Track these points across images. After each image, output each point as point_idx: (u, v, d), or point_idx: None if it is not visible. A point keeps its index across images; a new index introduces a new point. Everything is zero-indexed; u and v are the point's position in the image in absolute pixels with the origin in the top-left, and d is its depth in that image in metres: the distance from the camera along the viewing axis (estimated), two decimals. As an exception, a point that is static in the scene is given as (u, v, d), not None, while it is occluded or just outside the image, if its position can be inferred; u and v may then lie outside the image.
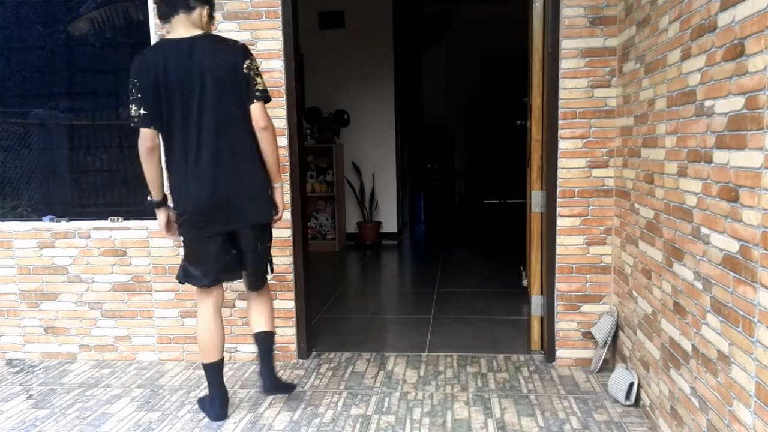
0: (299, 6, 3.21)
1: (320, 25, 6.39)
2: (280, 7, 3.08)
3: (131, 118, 2.38)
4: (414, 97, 8.17)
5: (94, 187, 3.54)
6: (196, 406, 2.76)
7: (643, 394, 2.57)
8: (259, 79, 2.43)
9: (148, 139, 2.38)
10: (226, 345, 3.30)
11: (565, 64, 2.95)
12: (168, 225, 2.54)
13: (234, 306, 3.28)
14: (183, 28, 2.40)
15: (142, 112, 2.34)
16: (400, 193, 6.99)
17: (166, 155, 2.45)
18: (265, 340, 2.64)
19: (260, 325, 2.65)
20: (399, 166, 6.85)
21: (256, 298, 2.65)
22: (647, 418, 2.52)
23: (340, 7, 6.39)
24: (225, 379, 3.03)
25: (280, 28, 3.09)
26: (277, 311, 3.26)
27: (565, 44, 2.94)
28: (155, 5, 2.48)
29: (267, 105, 2.47)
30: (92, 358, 3.42)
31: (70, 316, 3.40)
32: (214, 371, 2.59)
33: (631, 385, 2.61)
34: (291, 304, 3.25)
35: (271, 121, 2.47)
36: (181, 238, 2.54)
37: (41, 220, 3.40)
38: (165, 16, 2.41)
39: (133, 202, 3.48)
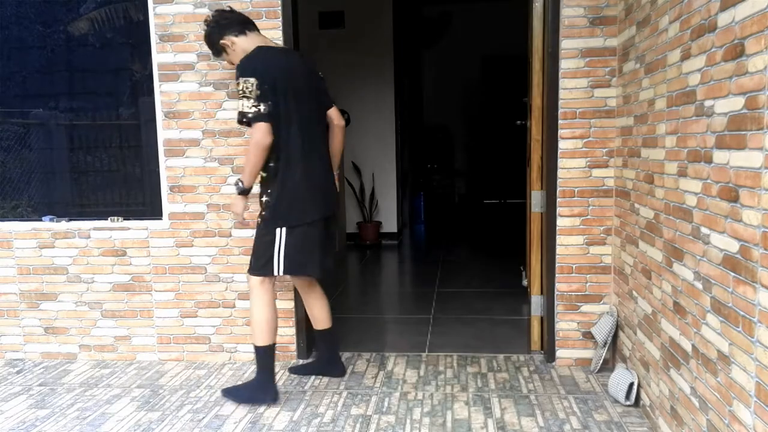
0: (299, 6, 3.21)
1: (320, 25, 6.39)
2: (280, 7, 3.08)
3: (246, 114, 2.51)
4: (414, 97, 8.17)
5: (94, 187, 3.53)
6: (197, 405, 2.76)
7: (643, 394, 2.57)
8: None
9: (268, 133, 2.54)
10: (225, 345, 3.32)
11: (565, 64, 2.95)
12: (243, 211, 2.74)
13: (234, 306, 3.28)
14: (268, 40, 2.77)
15: (263, 108, 2.50)
16: (400, 193, 6.99)
17: (285, 148, 2.62)
18: (332, 334, 3.02)
19: (326, 321, 2.98)
20: (399, 166, 6.85)
21: (313, 294, 2.95)
22: (647, 418, 2.52)
23: (340, 7, 6.39)
24: (225, 380, 3.06)
25: (280, 28, 3.09)
26: (278, 311, 3.26)
27: (565, 44, 2.94)
28: (225, 23, 2.71)
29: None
30: (92, 358, 3.42)
31: (70, 316, 3.40)
32: (274, 352, 2.74)
33: (631, 385, 2.61)
34: (291, 304, 3.25)
35: None
36: (282, 232, 2.65)
37: (41, 220, 3.40)
38: (242, 31, 2.70)
39: (133, 202, 3.48)
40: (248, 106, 2.49)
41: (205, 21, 2.77)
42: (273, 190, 2.66)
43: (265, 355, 2.71)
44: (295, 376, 3.08)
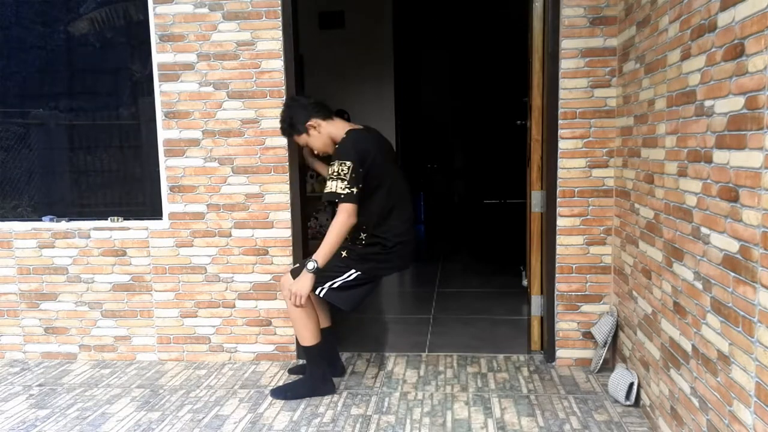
0: (299, 6, 3.21)
1: (320, 25, 6.39)
2: (280, 7, 3.08)
3: (339, 195, 2.58)
4: (414, 97, 8.16)
5: (94, 187, 3.53)
6: (197, 405, 2.77)
7: (643, 394, 2.57)
8: None
9: (353, 215, 2.63)
10: (225, 345, 3.32)
11: (565, 64, 2.95)
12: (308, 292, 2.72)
13: (234, 306, 3.29)
14: (351, 125, 2.85)
15: (354, 191, 2.59)
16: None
17: (387, 216, 2.75)
18: (332, 333, 3.05)
19: (326, 320, 3.01)
20: (399, 166, 6.84)
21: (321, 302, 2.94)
22: (647, 418, 2.52)
23: (340, 7, 6.39)
24: (225, 380, 3.06)
25: (280, 28, 3.09)
26: (277, 311, 3.27)
27: (565, 44, 2.94)
28: (311, 106, 2.81)
29: (267, 104, 3.07)
30: (92, 358, 3.42)
31: (70, 316, 3.40)
32: (323, 348, 2.86)
33: (631, 385, 2.61)
34: (291, 304, 3.25)
35: None
36: (353, 275, 2.72)
37: (41, 220, 3.40)
38: (329, 116, 2.83)
39: (133, 202, 3.48)
40: (341, 187, 2.57)
41: (286, 103, 2.87)
42: (370, 245, 2.73)
43: (316, 353, 2.84)
44: (295, 376, 3.08)
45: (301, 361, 3.25)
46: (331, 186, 2.59)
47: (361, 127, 2.83)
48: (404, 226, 2.81)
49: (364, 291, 2.83)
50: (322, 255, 2.63)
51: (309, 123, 2.77)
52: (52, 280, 3.38)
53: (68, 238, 3.35)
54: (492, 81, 9.28)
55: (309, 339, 2.80)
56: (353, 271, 2.73)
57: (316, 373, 2.86)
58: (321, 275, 2.71)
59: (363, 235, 2.75)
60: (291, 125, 2.82)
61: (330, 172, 2.62)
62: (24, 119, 3.51)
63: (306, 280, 2.65)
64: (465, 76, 9.46)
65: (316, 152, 2.91)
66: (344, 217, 2.60)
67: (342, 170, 2.58)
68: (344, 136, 2.70)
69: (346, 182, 2.57)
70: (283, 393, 2.85)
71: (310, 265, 2.63)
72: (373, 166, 2.68)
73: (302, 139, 2.83)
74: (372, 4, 6.39)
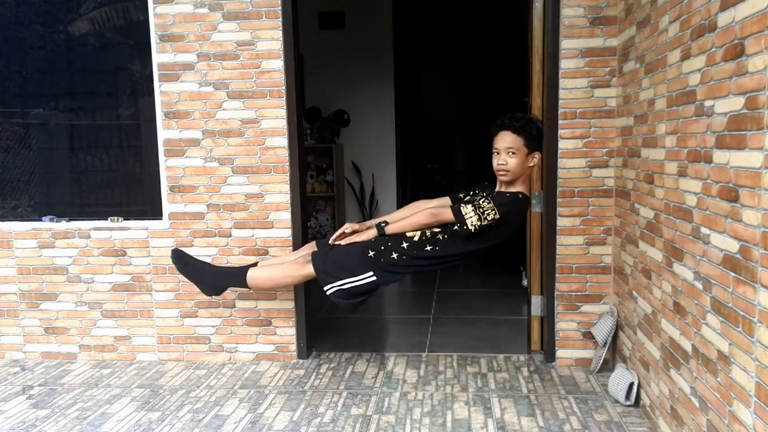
0: (299, 6, 3.21)
1: (320, 25, 6.39)
2: (280, 7, 3.08)
3: (464, 221, 2.53)
4: (414, 97, 8.16)
5: (94, 187, 3.53)
6: (197, 405, 2.77)
7: (643, 394, 2.57)
8: None
9: (438, 223, 2.64)
10: (225, 345, 3.32)
11: (565, 64, 2.95)
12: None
13: (234, 306, 3.29)
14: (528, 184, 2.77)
15: (473, 229, 2.53)
16: (400, 193, 6.99)
17: (460, 247, 2.70)
18: (242, 278, 2.84)
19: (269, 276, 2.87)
20: (399, 166, 6.85)
21: (301, 273, 2.82)
22: (647, 418, 2.52)
23: (340, 7, 6.38)
24: (225, 380, 3.05)
25: (280, 28, 3.09)
26: (277, 311, 3.27)
27: (565, 44, 2.94)
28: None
29: (267, 104, 3.03)
30: (92, 358, 3.42)
31: (70, 316, 3.40)
32: (234, 285, 2.86)
33: (631, 385, 2.61)
34: (291, 305, 3.25)
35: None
36: (369, 279, 2.64)
37: (41, 220, 3.40)
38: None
39: (133, 202, 3.48)
40: (472, 221, 2.52)
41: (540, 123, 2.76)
42: (412, 254, 2.63)
43: (236, 284, 2.82)
44: (296, 376, 3.08)
45: (301, 361, 3.24)
46: (468, 212, 2.53)
47: (528, 193, 2.73)
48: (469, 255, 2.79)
49: (365, 297, 2.77)
50: (397, 227, 2.66)
51: (538, 152, 2.62)
52: (52, 280, 3.38)
53: (68, 238, 3.35)
54: (492, 81, 9.28)
55: (256, 282, 2.76)
56: (370, 273, 2.65)
57: (220, 281, 2.83)
58: (338, 274, 2.65)
59: (427, 248, 2.65)
60: (538, 137, 2.64)
61: (479, 202, 2.55)
62: (24, 119, 3.51)
63: (368, 234, 2.67)
64: (465, 76, 9.46)
65: (506, 168, 2.63)
66: (444, 217, 2.59)
67: (488, 213, 2.52)
68: (518, 192, 2.62)
69: (479, 222, 2.53)
70: (179, 259, 2.86)
71: (382, 224, 2.66)
72: (504, 227, 2.64)
73: (521, 148, 2.58)
74: (372, 4, 6.39)
